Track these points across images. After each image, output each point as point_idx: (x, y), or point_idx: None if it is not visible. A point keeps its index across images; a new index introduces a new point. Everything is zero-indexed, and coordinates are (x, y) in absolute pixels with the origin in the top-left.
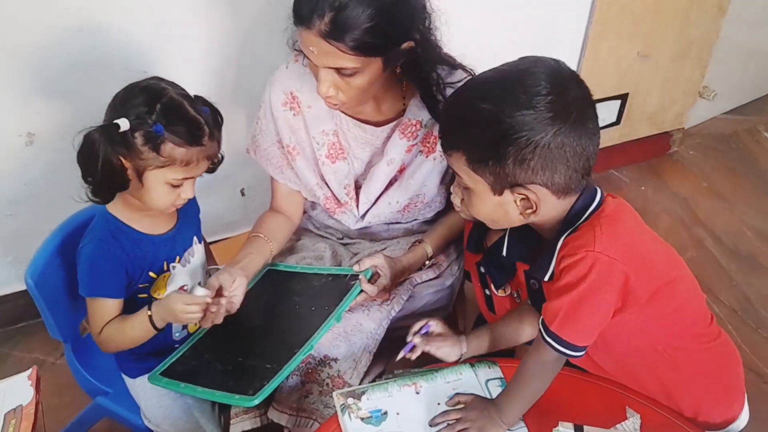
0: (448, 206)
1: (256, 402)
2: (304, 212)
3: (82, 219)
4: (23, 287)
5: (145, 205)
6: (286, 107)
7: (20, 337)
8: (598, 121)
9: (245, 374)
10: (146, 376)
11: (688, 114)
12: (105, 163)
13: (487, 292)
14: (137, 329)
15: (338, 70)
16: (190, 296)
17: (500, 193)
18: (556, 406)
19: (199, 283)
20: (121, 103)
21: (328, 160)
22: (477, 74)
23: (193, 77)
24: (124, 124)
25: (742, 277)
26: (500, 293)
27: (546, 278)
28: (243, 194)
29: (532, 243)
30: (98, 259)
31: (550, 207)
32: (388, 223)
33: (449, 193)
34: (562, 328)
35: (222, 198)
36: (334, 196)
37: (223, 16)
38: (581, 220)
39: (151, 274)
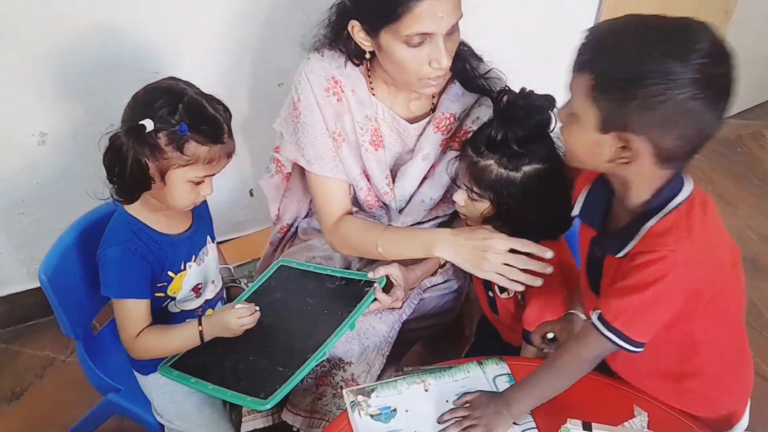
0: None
1: (269, 406)
2: (314, 213)
3: (95, 217)
4: (35, 285)
5: (165, 205)
6: (329, 92)
7: (31, 335)
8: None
9: (257, 375)
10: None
11: None
12: (134, 164)
13: (491, 294)
14: (179, 341)
15: (451, 30)
16: (243, 309)
17: (605, 132)
18: (565, 404)
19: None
20: (143, 104)
21: (371, 146)
22: (637, 16)
23: (205, 77)
24: (149, 124)
25: (746, 280)
26: (504, 296)
27: (619, 254)
28: (252, 195)
29: (605, 210)
30: (127, 260)
31: (643, 170)
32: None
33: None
34: (627, 325)
35: (230, 198)
36: (375, 188)
37: (236, 15)
38: (667, 209)
39: (170, 273)
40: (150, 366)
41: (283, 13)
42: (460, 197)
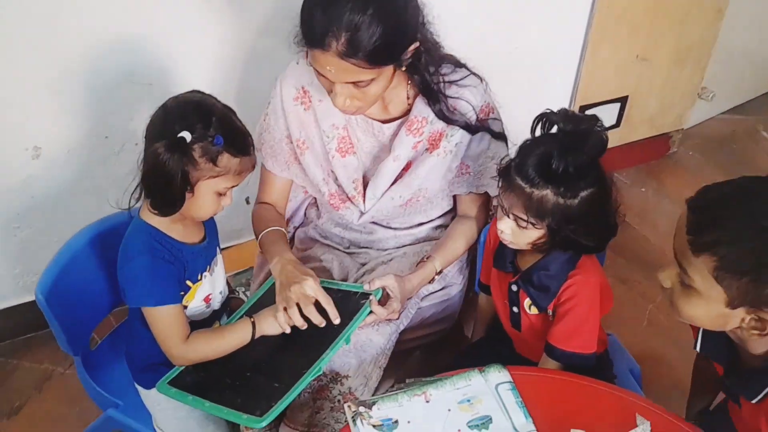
0: (455, 210)
1: (264, 424)
2: (310, 222)
3: (90, 234)
4: (31, 298)
5: (187, 215)
6: (297, 102)
7: (29, 348)
8: None
9: (253, 392)
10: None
11: (687, 115)
12: (182, 176)
13: (515, 309)
14: (233, 339)
15: (354, 83)
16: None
17: (735, 308)
18: (568, 413)
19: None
20: (177, 117)
21: (338, 153)
22: (746, 177)
23: (199, 88)
24: (188, 136)
25: None
26: (532, 311)
27: (755, 400)
28: (248, 202)
29: (726, 344)
30: (157, 267)
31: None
32: (395, 229)
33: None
34: None
35: (227, 207)
36: (342, 190)
37: (230, 26)
38: None
39: (189, 282)
40: (152, 380)
41: (278, 23)
42: (506, 226)
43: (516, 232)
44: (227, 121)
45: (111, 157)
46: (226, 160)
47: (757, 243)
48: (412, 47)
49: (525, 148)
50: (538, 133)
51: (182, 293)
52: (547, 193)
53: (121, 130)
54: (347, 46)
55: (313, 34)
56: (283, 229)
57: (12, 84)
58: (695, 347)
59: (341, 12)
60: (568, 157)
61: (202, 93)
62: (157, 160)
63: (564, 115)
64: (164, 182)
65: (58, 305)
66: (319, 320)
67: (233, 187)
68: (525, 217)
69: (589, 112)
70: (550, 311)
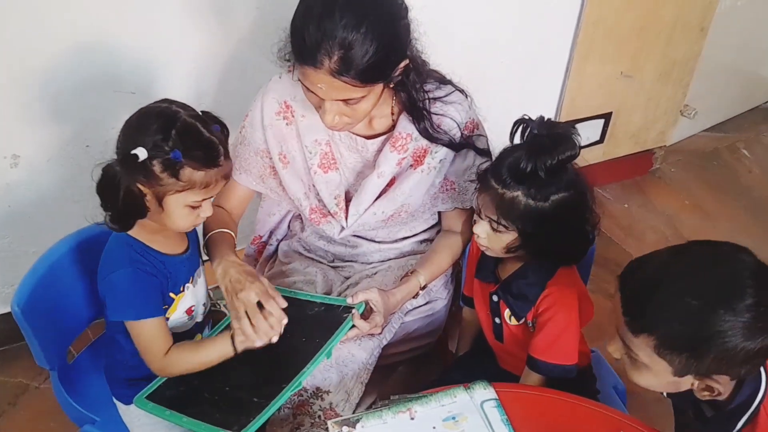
0: (439, 224)
1: None
2: (294, 234)
3: (69, 245)
4: (6, 310)
5: (164, 227)
6: (279, 116)
7: (3, 362)
8: None
9: (232, 407)
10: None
11: (670, 132)
12: (126, 193)
13: (497, 320)
14: (213, 352)
15: (345, 101)
16: (272, 317)
17: (682, 376)
18: (551, 430)
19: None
20: (135, 131)
21: (320, 170)
22: (669, 250)
23: (185, 97)
24: (142, 153)
25: None
26: (512, 322)
27: None
28: None
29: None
30: (139, 280)
31: (725, 390)
32: (379, 242)
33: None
34: None
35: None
36: (323, 206)
37: (216, 35)
38: (752, 410)
39: (172, 294)
40: (131, 395)
41: (262, 34)
42: (482, 229)
43: (491, 236)
44: (190, 132)
45: (92, 167)
46: (188, 173)
47: (689, 321)
48: (402, 64)
49: (502, 152)
50: (517, 138)
51: (165, 306)
52: (518, 195)
53: (102, 140)
54: (340, 63)
55: (305, 50)
56: (233, 234)
57: None
58: (663, 394)
59: (334, 29)
60: (537, 158)
61: (170, 102)
62: (107, 174)
63: (540, 121)
64: (113, 197)
65: (34, 318)
66: (266, 335)
67: (205, 199)
68: (496, 218)
69: None
70: (530, 322)
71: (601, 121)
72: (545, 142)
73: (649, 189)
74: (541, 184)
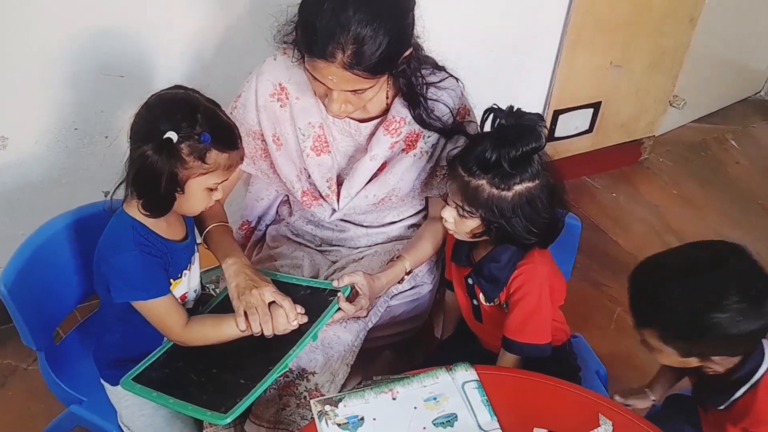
0: (426, 210)
1: (228, 420)
2: (282, 219)
3: (58, 226)
4: None
5: (177, 211)
6: (274, 98)
7: None
8: None
9: (219, 388)
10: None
11: (659, 122)
12: (170, 177)
13: (475, 302)
14: (232, 330)
15: (353, 91)
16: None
17: (688, 357)
18: (532, 412)
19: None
20: (159, 116)
21: (313, 152)
22: (667, 253)
23: (174, 81)
24: (174, 136)
25: None
26: (487, 303)
27: (721, 407)
28: None
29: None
30: (147, 262)
31: (722, 367)
32: (367, 227)
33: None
34: None
35: None
36: (315, 188)
37: (206, 19)
38: (749, 384)
39: (171, 280)
40: (119, 376)
41: (254, 16)
42: (449, 214)
43: (457, 221)
44: (213, 116)
45: (80, 149)
46: (214, 156)
47: (683, 318)
48: (406, 53)
49: (470, 140)
50: (487, 127)
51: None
52: (483, 183)
53: (91, 122)
54: (353, 57)
55: (317, 44)
56: (229, 225)
57: None
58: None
59: (348, 23)
60: (501, 149)
61: (186, 88)
62: (145, 162)
63: (509, 111)
64: (154, 184)
65: (21, 298)
66: (269, 332)
67: (223, 181)
68: (462, 204)
69: (563, 116)
70: (503, 303)
71: (591, 111)
72: (509, 133)
73: (638, 179)
74: (505, 174)
